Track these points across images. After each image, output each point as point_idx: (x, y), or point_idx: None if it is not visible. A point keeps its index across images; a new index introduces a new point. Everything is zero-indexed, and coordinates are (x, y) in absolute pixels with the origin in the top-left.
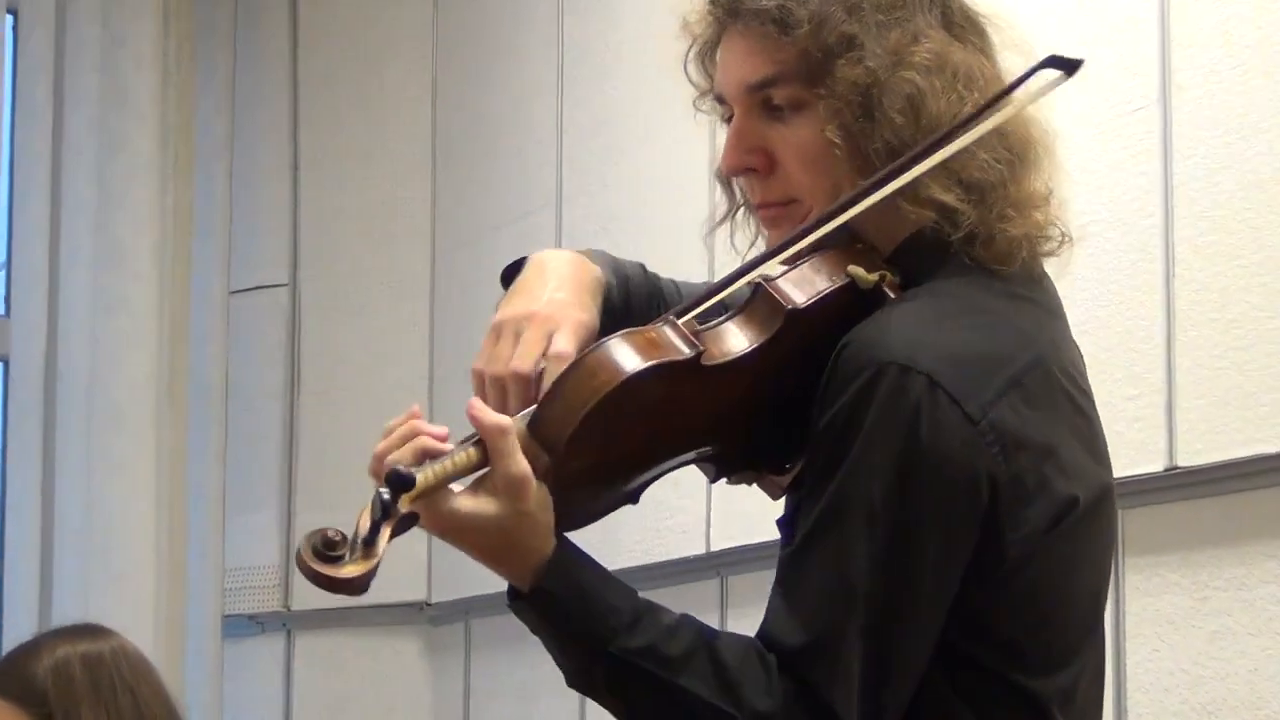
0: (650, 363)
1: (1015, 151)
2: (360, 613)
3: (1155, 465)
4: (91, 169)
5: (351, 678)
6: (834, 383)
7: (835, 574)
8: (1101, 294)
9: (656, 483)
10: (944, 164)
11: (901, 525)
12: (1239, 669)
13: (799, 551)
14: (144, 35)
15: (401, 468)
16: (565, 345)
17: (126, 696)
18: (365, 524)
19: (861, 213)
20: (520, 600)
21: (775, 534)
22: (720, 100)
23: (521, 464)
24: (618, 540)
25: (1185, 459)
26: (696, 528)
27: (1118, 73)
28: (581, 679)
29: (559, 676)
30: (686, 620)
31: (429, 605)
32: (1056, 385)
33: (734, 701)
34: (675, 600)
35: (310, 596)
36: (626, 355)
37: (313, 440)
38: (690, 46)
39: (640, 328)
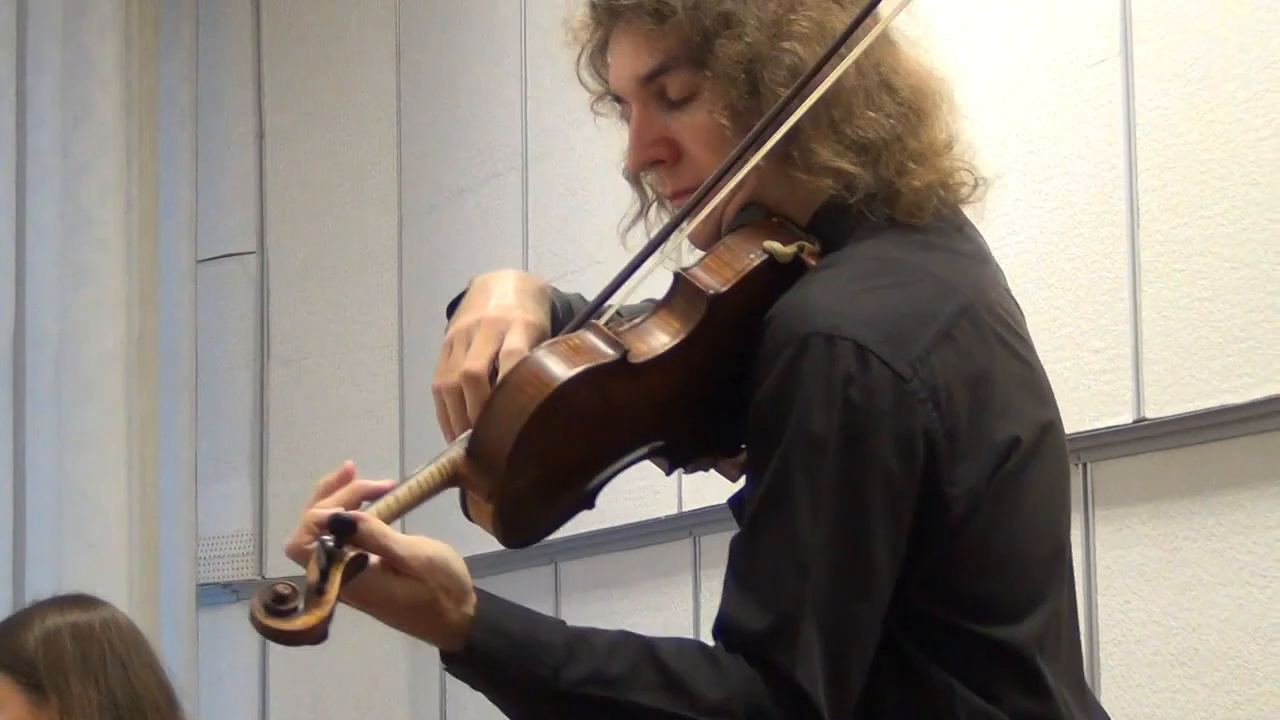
0: (577, 370)
1: (907, 104)
2: None
3: (1123, 417)
4: (56, 139)
5: (327, 644)
6: (762, 360)
7: (786, 552)
8: (1066, 247)
9: None
10: (831, 127)
11: (845, 495)
12: (1210, 619)
13: (748, 535)
14: (106, 3)
15: (343, 511)
16: (517, 343)
17: (116, 668)
18: (314, 573)
19: (769, 189)
20: (455, 662)
21: None
22: (618, 100)
23: (413, 546)
24: None
25: (1153, 411)
26: (668, 488)
27: (1079, 25)
28: None
29: None
30: (622, 636)
31: None
32: (987, 330)
33: (687, 703)
34: (649, 561)
35: (285, 564)
36: (552, 365)
37: (283, 407)
38: (580, 52)
39: (563, 336)
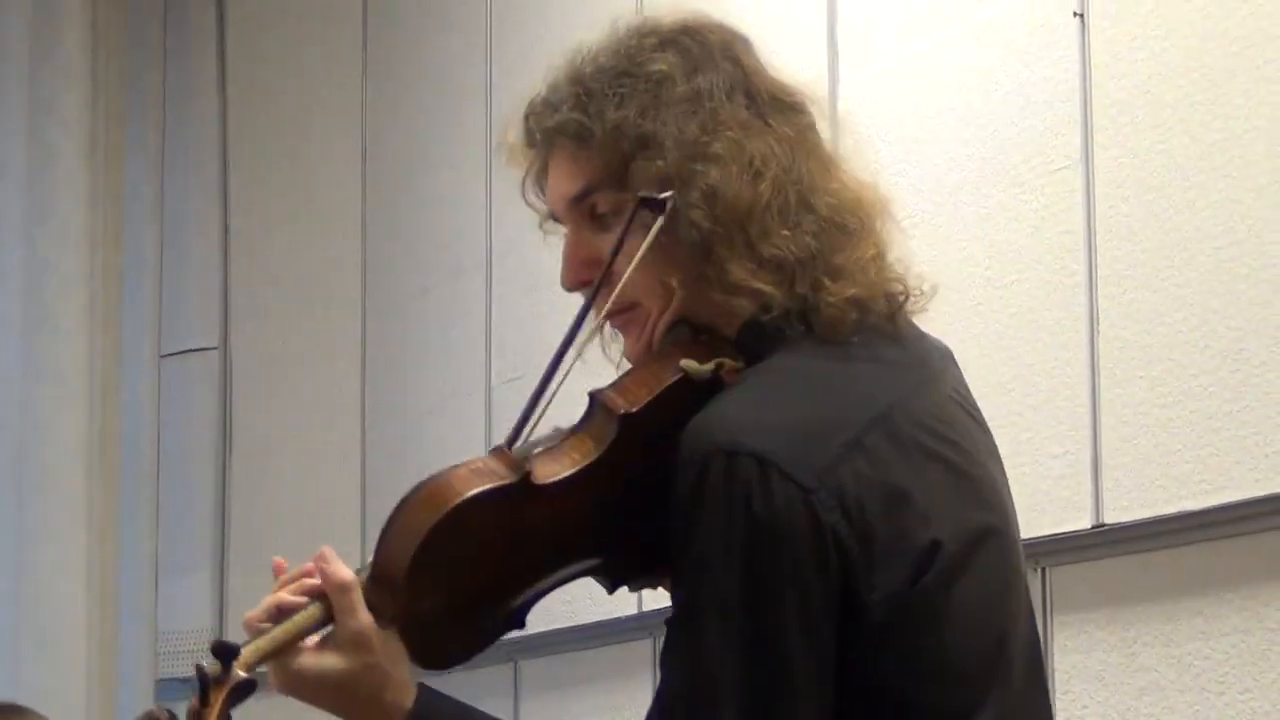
0: (474, 490)
1: (828, 221)
2: None
3: (1082, 522)
4: (20, 233)
5: None
6: (673, 480)
7: (695, 668)
8: (1026, 352)
9: None
10: (747, 246)
11: (757, 609)
12: None
13: (665, 655)
14: (71, 99)
15: (225, 640)
16: None
17: None
18: (194, 699)
19: (696, 307)
20: None
21: None
22: (557, 219)
23: (364, 618)
24: (547, 602)
25: (1111, 516)
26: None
27: (1040, 132)
28: None
29: None
30: None
31: None
32: (906, 439)
33: None
34: (607, 661)
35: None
36: (449, 486)
37: (245, 503)
38: (524, 176)
39: (465, 461)
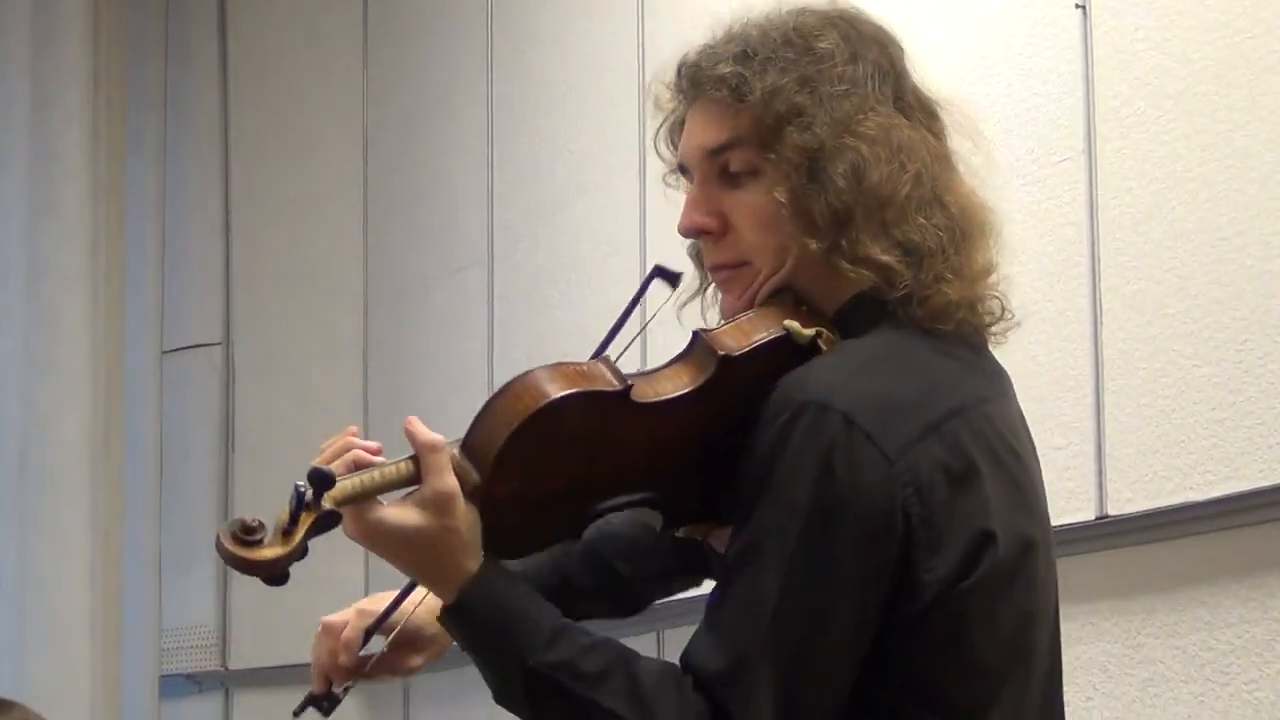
0: (575, 389)
1: (955, 223)
2: (299, 671)
3: (1086, 514)
4: (22, 230)
5: None
6: (760, 424)
7: (752, 604)
8: (1030, 344)
9: None
10: (882, 226)
11: (816, 558)
12: (1173, 716)
13: (722, 582)
14: (73, 95)
15: (323, 466)
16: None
17: None
18: (285, 515)
19: (806, 276)
20: (446, 614)
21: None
22: (683, 171)
23: (450, 480)
24: None
25: (1115, 507)
26: None
27: (1043, 124)
28: (504, 693)
29: None
30: (607, 641)
31: None
32: (979, 436)
33: (646, 718)
34: None
35: (248, 655)
36: (553, 381)
37: (248, 498)
38: (661, 123)
39: (573, 360)
